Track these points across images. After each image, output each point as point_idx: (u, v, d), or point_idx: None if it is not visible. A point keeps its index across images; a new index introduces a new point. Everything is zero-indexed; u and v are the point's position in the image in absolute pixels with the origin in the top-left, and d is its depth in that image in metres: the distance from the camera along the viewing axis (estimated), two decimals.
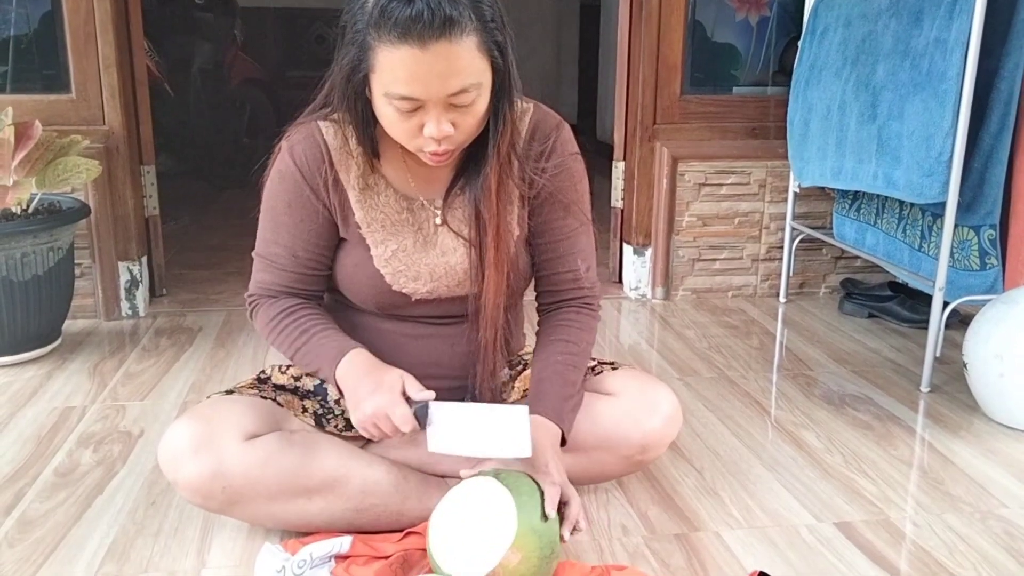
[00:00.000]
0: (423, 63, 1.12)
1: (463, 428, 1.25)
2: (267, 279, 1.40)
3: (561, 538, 1.23)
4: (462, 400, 1.51)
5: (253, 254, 1.41)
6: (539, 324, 1.48)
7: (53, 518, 1.49)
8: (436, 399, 1.48)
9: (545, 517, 1.19)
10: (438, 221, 1.38)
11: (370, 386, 1.27)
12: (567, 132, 1.41)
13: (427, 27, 1.10)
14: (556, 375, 1.38)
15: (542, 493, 1.22)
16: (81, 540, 1.42)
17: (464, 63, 1.14)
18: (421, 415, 1.25)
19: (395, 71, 1.14)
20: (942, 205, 1.99)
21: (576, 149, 1.42)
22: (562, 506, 1.27)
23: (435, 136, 1.19)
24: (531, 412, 1.33)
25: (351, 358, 1.32)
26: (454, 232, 1.37)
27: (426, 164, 1.34)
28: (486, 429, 1.24)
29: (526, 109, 1.38)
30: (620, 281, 2.93)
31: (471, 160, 1.34)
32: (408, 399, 1.26)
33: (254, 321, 1.43)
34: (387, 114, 1.20)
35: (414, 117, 1.19)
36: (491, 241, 1.33)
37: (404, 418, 1.24)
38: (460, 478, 1.47)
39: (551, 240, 1.42)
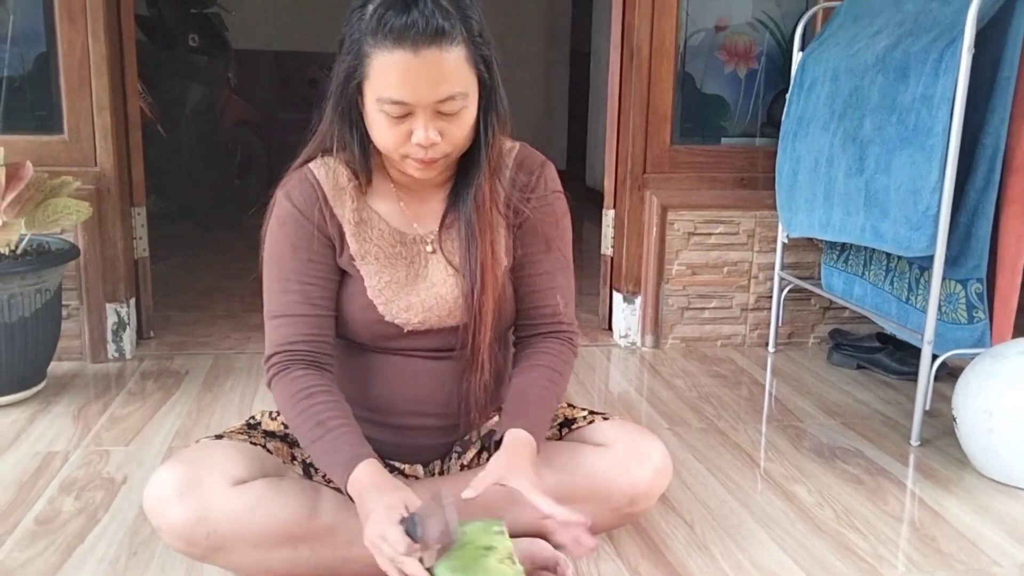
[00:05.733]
0: (414, 67, 1.19)
1: (437, 528, 1.16)
2: (285, 334, 1.34)
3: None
4: (452, 446, 1.50)
5: (265, 319, 1.36)
6: (517, 350, 1.47)
7: (32, 568, 1.46)
8: (425, 439, 1.46)
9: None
10: (429, 250, 1.40)
11: (369, 504, 1.19)
12: (552, 170, 1.45)
13: (420, 34, 1.18)
14: (539, 402, 1.37)
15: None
16: None
17: (452, 70, 1.21)
18: (411, 529, 1.15)
19: (388, 75, 1.20)
20: (929, 258, 2.00)
21: (559, 188, 1.46)
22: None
23: (422, 143, 1.24)
24: (511, 426, 1.31)
25: (361, 471, 1.24)
26: (446, 259, 1.39)
27: (418, 195, 1.39)
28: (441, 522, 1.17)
29: (512, 147, 1.43)
30: (610, 328, 2.93)
31: (461, 187, 1.38)
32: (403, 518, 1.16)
33: (272, 391, 1.35)
34: (377, 121, 1.25)
35: (403, 124, 1.24)
36: (484, 260, 1.35)
37: (397, 540, 1.12)
38: None
39: (532, 274, 1.43)
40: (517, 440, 1.30)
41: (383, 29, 1.19)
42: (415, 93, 1.20)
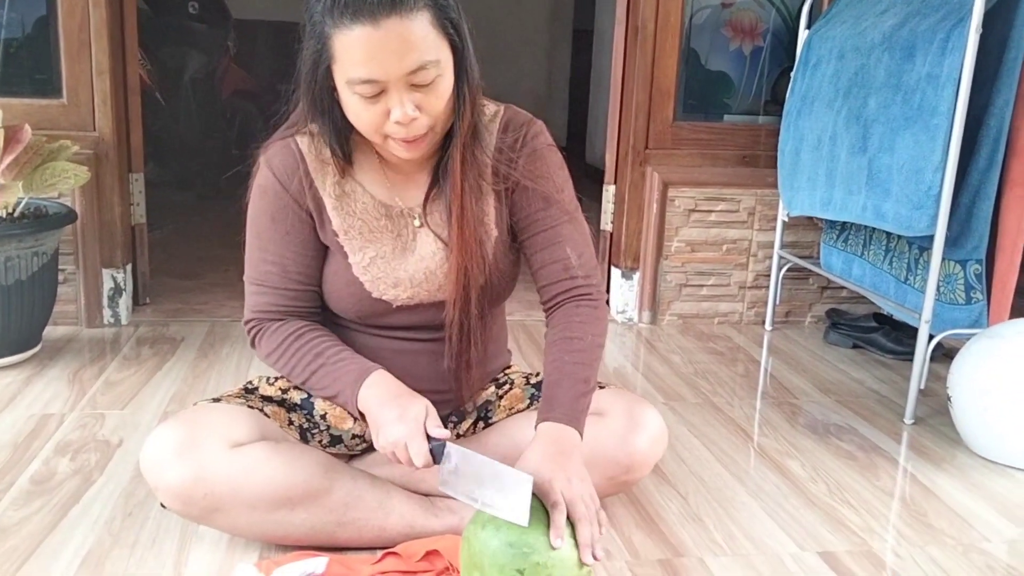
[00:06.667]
0: (376, 41, 1.14)
1: (473, 477, 1.18)
2: (262, 301, 1.38)
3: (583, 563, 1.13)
4: (448, 416, 1.50)
5: (244, 279, 1.39)
6: (546, 327, 1.42)
7: (27, 527, 1.46)
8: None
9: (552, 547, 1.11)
10: (417, 224, 1.38)
11: (395, 412, 1.24)
12: (539, 127, 1.41)
13: (377, 4, 1.13)
14: (566, 376, 1.30)
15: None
16: (56, 550, 1.40)
17: (418, 38, 1.16)
18: (438, 452, 1.21)
19: (352, 54, 1.15)
20: (929, 238, 2.00)
21: (551, 142, 1.41)
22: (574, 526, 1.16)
23: (400, 120, 1.19)
24: (542, 419, 1.26)
25: (374, 380, 1.29)
26: (434, 233, 1.37)
27: (404, 169, 1.36)
28: (493, 485, 1.16)
29: (497, 111, 1.39)
30: (607, 304, 2.92)
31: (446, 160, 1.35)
32: (428, 435, 1.23)
33: (257, 348, 1.40)
34: (352, 104, 1.21)
35: (378, 103, 1.19)
36: (461, 232, 1.32)
37: (419, 453, 1.20)
38: (443, 495, 1.46)
39: (535, 232, 1.38)
40: (543, 436, 1.25)
41: (339, 6, 1.14)
42: (382, 68, 1.15)
